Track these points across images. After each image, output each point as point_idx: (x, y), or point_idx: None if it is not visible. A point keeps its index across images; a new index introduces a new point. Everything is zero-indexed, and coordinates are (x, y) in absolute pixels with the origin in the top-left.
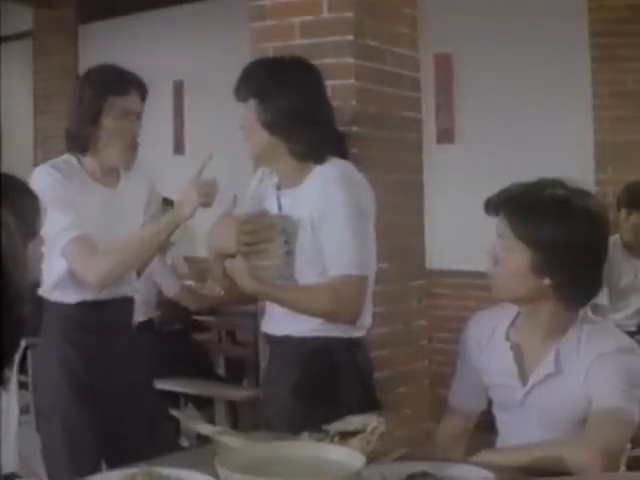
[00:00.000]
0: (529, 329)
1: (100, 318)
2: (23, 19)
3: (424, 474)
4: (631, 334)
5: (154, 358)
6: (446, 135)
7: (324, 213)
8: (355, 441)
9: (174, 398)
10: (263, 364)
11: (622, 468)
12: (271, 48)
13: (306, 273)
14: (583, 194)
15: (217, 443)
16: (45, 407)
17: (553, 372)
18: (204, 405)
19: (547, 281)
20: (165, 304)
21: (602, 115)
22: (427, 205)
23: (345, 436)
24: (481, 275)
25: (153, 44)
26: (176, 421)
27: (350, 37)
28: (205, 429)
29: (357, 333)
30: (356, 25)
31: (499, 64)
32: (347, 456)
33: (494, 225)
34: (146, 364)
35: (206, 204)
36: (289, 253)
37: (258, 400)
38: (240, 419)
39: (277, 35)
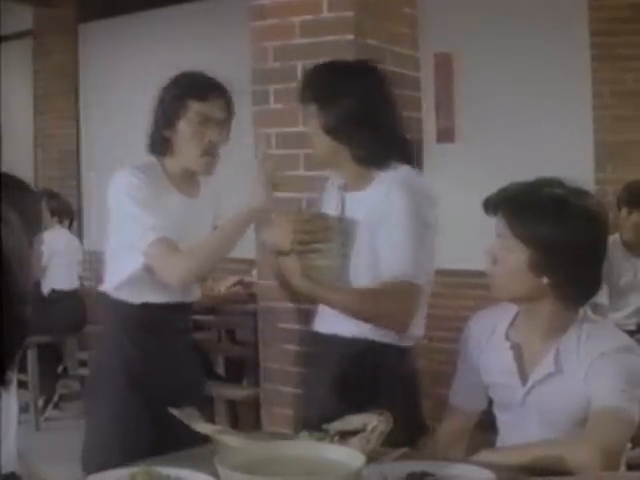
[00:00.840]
0: (529, 328)
1: (160, 320)
2: (23, 18)
3: (424, 473)
4: (631, 333)
5: None
6: (446, 134)
7: (383, 218)
8: (355, 440)
9: None
10: (264, 364)
11: (622, 468)
12: (271, 47)
13: (361, 277)
14: (581, 193)
15: (217, 442)
16: (98, 401)
17: (553, 371)
18: (204, 404)
19: (545, 280)
20: None
21: (602, 114)
22: None
23: (345, 435)
24: (480, 274)
25: (153, 43)
26: None
27: (350, 36)
28: (205, 428)
29: (406, 342)
30: (356, 24)
31: (499, 63)
32: (347, 455)
33: (493, 224)
34: (200, 367)
35: (276, 190)
36: (345, 256)
37: (258, 399)
38: (240, 418)
39: (277, 34)
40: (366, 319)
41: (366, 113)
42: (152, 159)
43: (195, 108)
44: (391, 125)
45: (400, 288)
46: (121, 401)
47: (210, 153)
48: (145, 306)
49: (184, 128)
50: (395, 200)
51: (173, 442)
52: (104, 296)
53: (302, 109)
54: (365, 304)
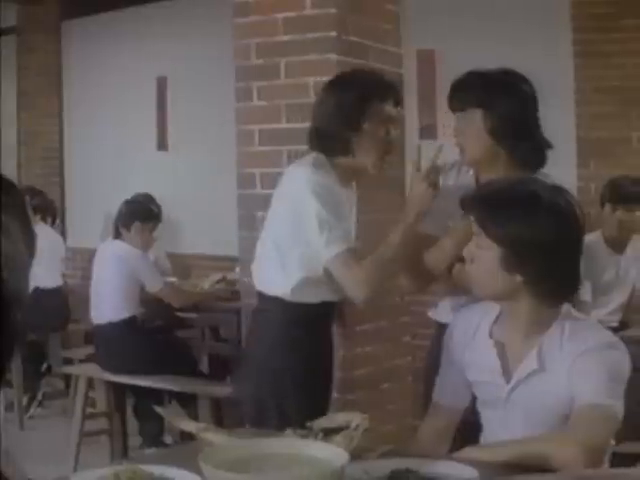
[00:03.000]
0: (511, 326)
1: (327, 317)
2: (7, 15)
3: (407, 471)
4: (614, 330)
5: (137, 355)
6: (429, 131)
7: None
8: (338, 438)
9: (158, 395)
10: None
11: (605, 465)
12: (254, 44)
13: None
14: (554, 190)
15: (201, 440)
16: (274, 394)
17: (536, 369)
18: (188, 402)
19: (518, 278)
20: (148, 301)
21: (585, 111)
22: None
23: (329, 433)
24: None
25: (136, 40)
26: (160, 418)
27: (333, 33)
28: (189, 426)
29: None
30: (339, 21)
31: (482, 60)
32: (330, 453)
33: None
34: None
35: (435, 190)
36: None
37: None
38: (224, 416)
39: (260, 31)
40: None
41: (526, 119)
42: (320, 156)
43: (379, 108)
44: (540, 131)
45: None
46: (308, 397)
47: (391, 152)
48: (323, 304)
49: (369, 129)
50: None
51: None
52: (275, 298)
53: (457, 115)
54: None
